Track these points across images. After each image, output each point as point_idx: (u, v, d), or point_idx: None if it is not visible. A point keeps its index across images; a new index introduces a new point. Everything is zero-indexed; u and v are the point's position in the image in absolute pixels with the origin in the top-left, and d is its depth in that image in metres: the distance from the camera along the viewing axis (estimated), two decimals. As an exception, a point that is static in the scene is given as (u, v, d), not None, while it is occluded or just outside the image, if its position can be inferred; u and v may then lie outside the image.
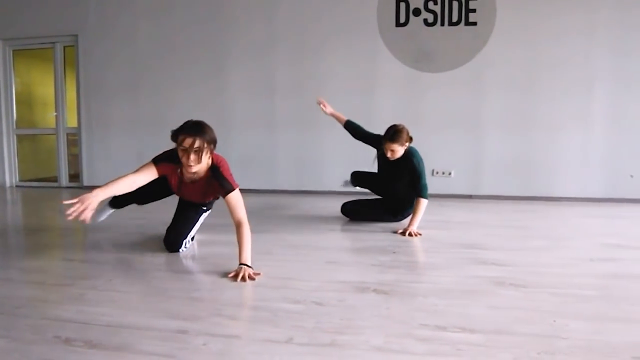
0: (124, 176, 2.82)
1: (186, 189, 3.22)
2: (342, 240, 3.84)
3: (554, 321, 2.15)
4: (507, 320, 2.15)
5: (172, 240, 3.31)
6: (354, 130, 4.63)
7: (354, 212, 4.62)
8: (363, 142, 4.61)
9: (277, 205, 5.61)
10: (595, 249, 3.54)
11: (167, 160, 3.03)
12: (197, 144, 2.89)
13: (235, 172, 7.04)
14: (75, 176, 7.62)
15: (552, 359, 1.80)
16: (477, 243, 3.69)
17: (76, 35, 7.22)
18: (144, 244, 3.59)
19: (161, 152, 3.10)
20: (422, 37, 6.25)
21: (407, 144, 4.26)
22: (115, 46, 7.08)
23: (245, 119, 6.73)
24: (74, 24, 7.19)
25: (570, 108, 6.08)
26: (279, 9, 6.57)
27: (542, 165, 6.17)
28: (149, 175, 2.95)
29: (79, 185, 7.39)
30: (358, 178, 4.78)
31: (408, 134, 4.26)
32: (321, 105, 4.62)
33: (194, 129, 2.93)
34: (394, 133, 4.20)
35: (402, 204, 4.41)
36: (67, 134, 7.60)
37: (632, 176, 6.10)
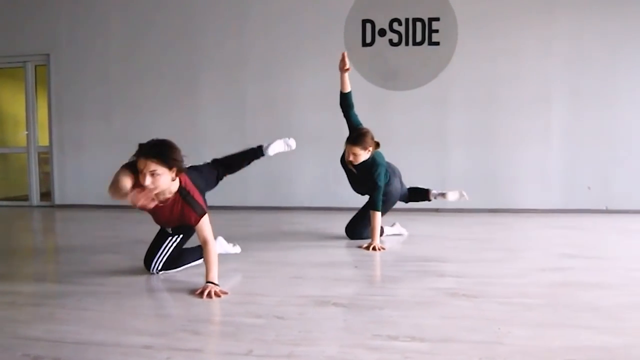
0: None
1: (159, 212, 3.13)
2: (309, 256, 3.96)
3: (499, 329, 2.30)
4: (455, 329, 2.31)
5: (146, 259, 3.38)
6: (347, 105, 4.40)
7: (351, 232, 4.48)
8: (345, 119, 4.36)
9: (247, 222, 5.73)
10: (547, 260, 3.74)
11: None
12: (152, 167, 2.81)
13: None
14: (46, 195, 7.63)
15: (491, 364, 1.95)
16: (437, 256, 3.86)
17: (48, 55, 7.27)
18: (114, 263, 3.68)
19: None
20: (388, 56, 6.47)
21: (370, 149, 4.07)
22: (87, 66, 7.14)
23: (216, 136, 6.84)
24: (45, 44, 7.24)
25: (529, 123, 6.34)
26: (249, 29, 6.73)
27: (504, 178, 6.40)
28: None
29: (50, 204, 7.40)
30: None
31: (373, 138, 4.09)
32: (345, 61, 4.32)
33: (153, 150, 2.84)
34: (357, 136, 4.03)
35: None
36: (39, 153, 7.61)
37: (589, 188, 6.36)
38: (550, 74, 6.30)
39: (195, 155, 6.75)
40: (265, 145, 3.99)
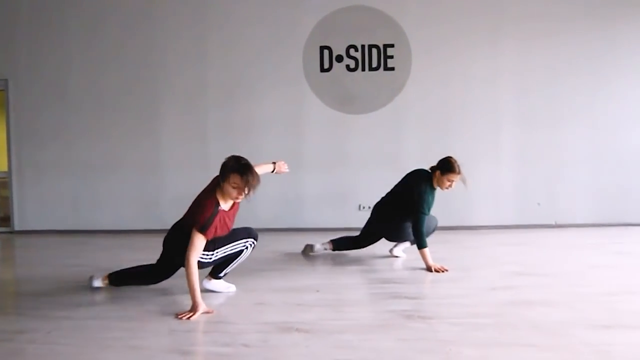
0: (192, 272, 3.14)
1: (225, 219, 3.46)
2: (272, 280, 4.08)
3: (450, 349, 2.49)
4: (411, 351, 2.49)
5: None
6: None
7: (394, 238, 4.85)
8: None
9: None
10: (497, 278, 3.97)
11: (210, 217, 3.28)
12: (247, 188, 3.26)
13: (169, 211, 7.22)
14: (5, 220, 7.52)
15: (442, 384, 2.13)
16: (395, 277, 4.06)
17: (6, 80, 7.21)
18: (79, 292, 3.72)
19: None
20: (345, 81, 6.69)
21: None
22: (46, 91, 7.10)
23: (178, 161, 6.90)
24: (3, 69, 7.18)
25: (481, 144, 6.65)
26: (209, 54, 6.84)
27: (459, 197, 6.62)
28: (202, 245, 3.28)
29: (9, 230, 7.30)
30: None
31: None
32: None
33: (246, 171, 3.26)
34: (458, 165, 4.36)
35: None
36: (-3, 179, 7.53)
37: (539, 204, 6.70)
38: (499, 98, 6.63)
39: (155, 179, 6.94)
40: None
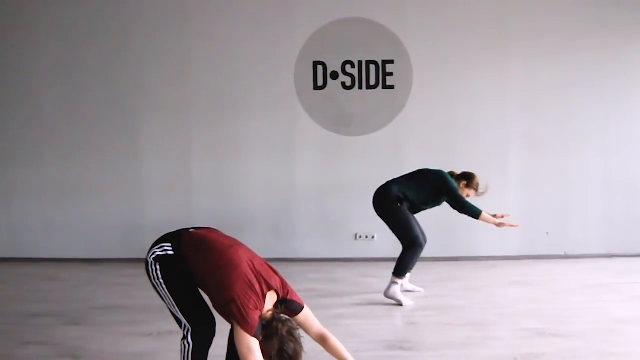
0: None
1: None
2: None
3: None
4: None
5: None
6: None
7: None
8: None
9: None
10: (517, 341, 3.51)
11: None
12: None
13: (150, 238, 6.64)
14: (-28, 245, 6.98)
15: None
16: (400, 340, 3.61)
17: (-25, 98, 6.67)
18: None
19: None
20: (341, 100, 6.27)
21: None
22: (17, 108, 6.56)
23: (159, 185, 6.42)
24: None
25: (487, 168, 6.13)
26: (193, 69, 6.38)
27: (462, 225, 6.19)
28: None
29: (-24, 258, 6.77)
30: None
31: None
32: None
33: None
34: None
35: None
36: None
37: (547, 233, 6.29)
38: (506, 120, 6.24)
39: (134, 204, 6.44)
40: None
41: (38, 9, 6.48)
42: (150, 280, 2.53)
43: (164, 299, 2.49)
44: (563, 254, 6.30)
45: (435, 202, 4.78)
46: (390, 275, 4.59)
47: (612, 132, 6.26)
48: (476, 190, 4.73)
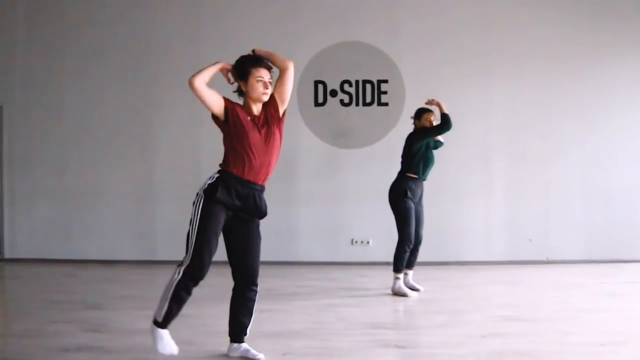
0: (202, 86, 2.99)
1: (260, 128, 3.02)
2: (262, 324, 3.98)
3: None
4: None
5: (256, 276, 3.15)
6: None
7: None
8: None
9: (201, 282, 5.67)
10: (488, 323, 3.96)
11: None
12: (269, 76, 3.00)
13: (162, 242, 7.17)
14: (-5, 245, 7.45)
15: None
16: (385, 321, 4.05)
17: (1, 107, 7.22)
18: (71, 336, 3.67)
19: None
20: (339, 116, 6.75)
21: None
22: (41, 119, 7.11)
23: (171, 192, 6.87)
24: (-1, 96, 7.21)
25: (472, 179, 6.69)
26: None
27: (451, 232, 6.69)
28: (217, 98, 3.00)
29: (-1, 258, 7.25)
30: None
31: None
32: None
33: (262, 60, 3.07)
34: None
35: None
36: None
37: (530, 240, 6.72)
38: (490, 134, 6.73)
39: (149, 210, 6.91)
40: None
41: (61, 27, 7.08)
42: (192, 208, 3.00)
43: (190, 223, 2.95)
44: (545, 259, 6.71)
45: (425, 158, 5.24)
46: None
47: (590, 146, 6.74)
48: (429, 120, 5.22)
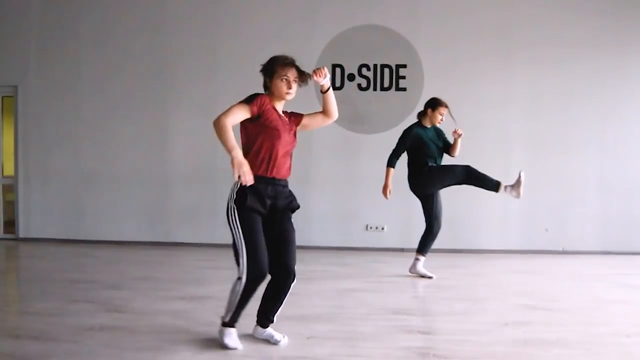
0: (226, 128, 2.98)
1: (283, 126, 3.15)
2: (282, 307, 4.00)
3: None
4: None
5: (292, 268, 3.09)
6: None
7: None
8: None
9: (216, 263, 5.68)
10: (510, 312, 3.93)
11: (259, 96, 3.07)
12: (295, 75, 3.11)
13: (175, 224, 7.16)
14: (9, 224, 7.46)
15: None
16: (406, 308, 4.02)
17: (16, 86, 7.19)
18: (89, 315, 3.66)
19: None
20: (356, 100, 6.68)
21: None
22: (56, 99, 7.09)
23: (186, 175, 6.88)
24: (13, 75, 7.16)
25: (490, 167, 6.53)
26: (220, 66, 6.83)
27: (467, 220, 6.65)
28: (243, 114, 3.05)
29: (14, 237, 7.25)
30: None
31: None
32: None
33: (290, 60, 3.12)
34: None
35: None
36: (3, 184, 7.48)
37: (547, 230, 6.67)
38: (509, 121, 6.63)
39: (163, 192, 6.90)
40: None
41: (79, 14, 7.03)
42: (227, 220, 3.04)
43: (235, 237, 2.98)
44: (561, 249, 6.66)
45: (424, 147, 5.28)
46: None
47: (609, 136, 6.64)
48: (444, 106, 5.20)
